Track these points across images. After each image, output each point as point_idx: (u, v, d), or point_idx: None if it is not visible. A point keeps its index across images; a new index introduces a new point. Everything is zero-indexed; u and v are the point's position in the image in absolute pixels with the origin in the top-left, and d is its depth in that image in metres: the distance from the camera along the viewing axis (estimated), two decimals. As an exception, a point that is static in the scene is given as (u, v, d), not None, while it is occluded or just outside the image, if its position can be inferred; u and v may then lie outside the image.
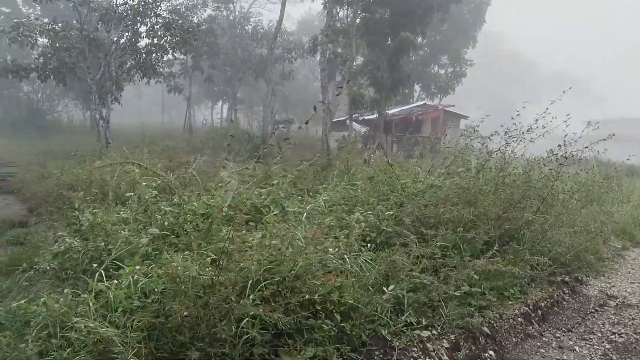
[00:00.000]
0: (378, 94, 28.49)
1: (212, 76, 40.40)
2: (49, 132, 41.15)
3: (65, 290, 4.36)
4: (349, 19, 28.70)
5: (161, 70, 25.63)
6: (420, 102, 40.20)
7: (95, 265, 4.55)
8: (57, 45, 20.44)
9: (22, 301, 4.67)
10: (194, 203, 5.55)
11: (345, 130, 39.66)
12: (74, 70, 21.37)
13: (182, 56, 36.04)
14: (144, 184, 6.91)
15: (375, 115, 37.15)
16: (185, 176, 9.26)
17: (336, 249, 4.27)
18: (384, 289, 4.31)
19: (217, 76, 43.32)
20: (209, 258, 4.18)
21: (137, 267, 4.13)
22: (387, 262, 4.61)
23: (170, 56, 27.94)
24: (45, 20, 24.52)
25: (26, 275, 5.83)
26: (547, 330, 5.84)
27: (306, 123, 5.28)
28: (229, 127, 44.37)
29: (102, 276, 4.25)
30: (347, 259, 4.41)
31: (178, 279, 3.62)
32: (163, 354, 3.47)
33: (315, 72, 68.66)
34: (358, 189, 7.34)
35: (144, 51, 23.05)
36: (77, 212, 7.11)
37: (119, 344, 3.33)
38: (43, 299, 4.31)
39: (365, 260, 4.70)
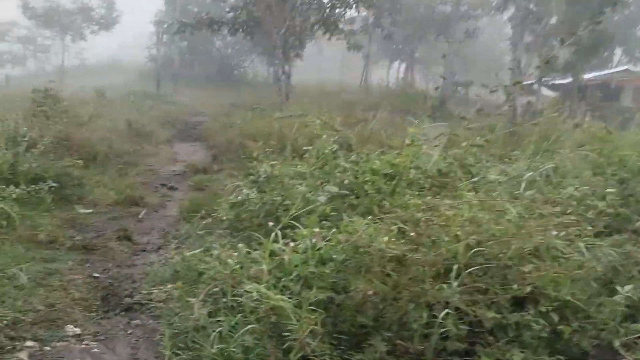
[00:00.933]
0: (575, 56, 25.48)
1: (392, 34, 39.46)
2: (236, 86, 43.63)
3: (240, 246, 4.06)
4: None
5: (342, 26, 25.33)
6: (622, 68, 35.54)
7: (270, 222, 4.17)
8: (247, -1, 21.06)
9: (197, 250, 4.51)
10: (376, 161, 4.95)
11: (531, 95, 36.63)
12: (260, 24, 21.92)
13: (364, 13, 35.63)
14: (324, 136, 6.47)
15: (567, 80, 33.67)
16: (364, 133, 8.76)
17: (561, 232, 3.39)
18: (617, 287, 3.36)
19: (397, 34, 42.26)
20: (395, 226, 3.57)
21: (315, 229, 3.65)
22: (617, 253, 3.63)
23: (353, 12, 27.62)
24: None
25: (204, 222, 5.76)
26: None
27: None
28: (404, 86, 43.42)
29: (278, 236, 3.84)
30: (581, 245, 3.50)
31: (362, 249, 3.05)
32: (340, 336, 2.96)
33: (501, 31, 64.37)
34: (565, 159, 6.21)
35: (328, 6, 22.88)
36: (255, 162, 6.96)
37: (293, 318, 2.88)
38: (217, 251, 4.06)
39: (586, 248, 3.75)
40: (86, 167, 8.90)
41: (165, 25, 41.76)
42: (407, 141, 5.11)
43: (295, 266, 3.43)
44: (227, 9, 23.69)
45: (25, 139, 7.33)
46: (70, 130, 10.29)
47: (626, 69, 35.32)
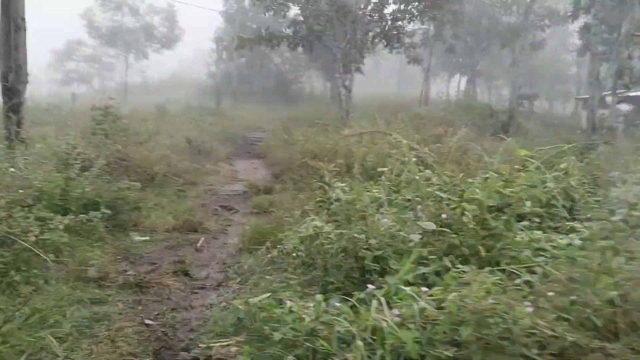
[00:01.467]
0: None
1: (454, 46, 38.30)
2: (293, 101, 43.44)
3: (317, 297, 3.31)
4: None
5: (404, 39, 24.50)
6: None
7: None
8: (307, 13, 20.52)
9: (264, 295, 3.78)
10: (477, 189, 4.09)
11: (602, 108, 34.62)
12: (321, 38, 21.40)
13: (424, 25, 34.70)
14: (404, 157, 5.67)
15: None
16: (444, 151, 7.89)
17: None
18: None
19: (459, 46, 41.05)
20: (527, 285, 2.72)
21: (423, 290, 2.85)
22: None
23: (414, 24, 26.78)
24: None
25: (269, 256, 5.06)
26: None
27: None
28: (467, 100, 42.04)
29: (372, 297, 3.05)
30: None
31: (494, 323, 2.23)
32: None
33: (565, 42, 61.95)
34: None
35: (389, 18, 22.14)
36: (325, 185, 6.24)
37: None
38: (289, 304, 3.32)
39: None
40: (143, 189, 8.40)
41: (224, 43, 42.21)
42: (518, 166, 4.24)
43: (393, 333, 2.64)
44: (286, 25, 23.28)
45: (79, 160, 6.83)
46: (128, 150, 9.88)
47: None
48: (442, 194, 4.19)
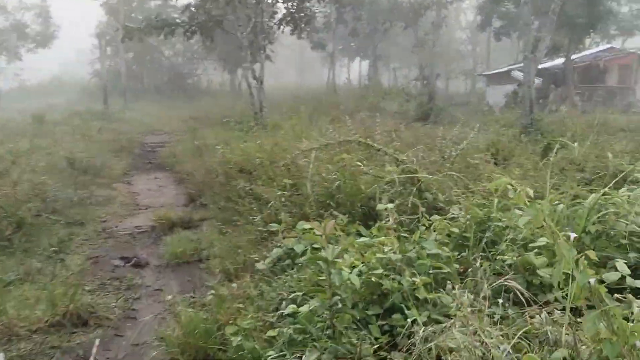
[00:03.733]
0: (570, 35, 23.13)
1: (357, 29, 36.71)
2: (191, 96, 40.14)
3: None
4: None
5: (314, 22, 22.36)
6: (605, 46, 33.63)
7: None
8: (204, -6, 17.77)
9: None
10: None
11: (508, 83, 34.50)
12: (221, 24, 18.76)
13: (325, 9, 32.83)
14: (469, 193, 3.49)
15: (550, 64, 31.55)
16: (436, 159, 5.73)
17: None
18: None
19: (360, 30, 39.58)
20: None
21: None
22: None
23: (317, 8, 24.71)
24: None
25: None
26: None
27: None
28: (373, 85, 40.81)
29: None
30: None
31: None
32: None
33: (461, 19, 62.76)
34: None
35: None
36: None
37: None
38: None
39: None
40: (2, 250, 5.61)
41: (107, 37, 38.04)
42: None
43: None
44: (180, 11, 20.42)
45: None
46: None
47: (610, 47, 33.46)
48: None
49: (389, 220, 3.68)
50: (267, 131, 13.03)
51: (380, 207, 3.96)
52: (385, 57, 55.65)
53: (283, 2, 19.75)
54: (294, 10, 20.42)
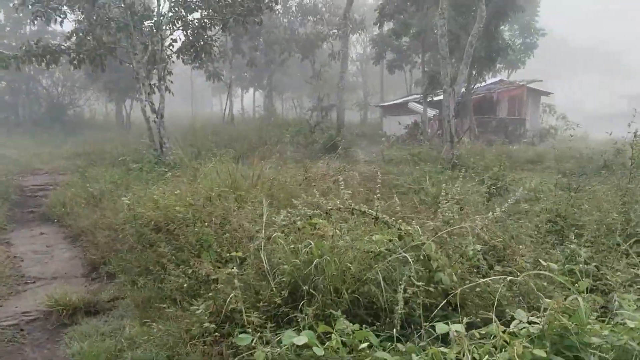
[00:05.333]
0: (470, 68, 23.51)
1: (254, 59, 35.64)
2: (73, 129, 36.82)
3: None
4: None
5: (215, 51, 20.92)
6: (496, 79, 35.12)
7: None
8: (94, 19, 15.70)
9: None
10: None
11: (404, 114, 34.95)
12: (114, 52, 16.83)
13: (221, 37, 31.45)
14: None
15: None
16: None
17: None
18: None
19: (259, 59, 38.61)
20: None
21: None
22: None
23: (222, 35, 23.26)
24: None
25: None
26: None
27: None
28: (269, 115, 39.91)
29: None
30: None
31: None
32: None
33: (351, 52, 63.77)
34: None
35: (196, 25, 18.40)
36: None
37: None
38: None
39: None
40: None
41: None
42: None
43: None
44: (65, 37, 18.20)
45: None
46: None
47: (500, 80, 34.95)
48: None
49: (454, 346, 2.42)
50: (175, 173, 11.36)
51: (442, 328, 2.68)
52: (280, 88, 55.14)
53: (182, 30, 18.18)
54: (192, 39, 18.93)
